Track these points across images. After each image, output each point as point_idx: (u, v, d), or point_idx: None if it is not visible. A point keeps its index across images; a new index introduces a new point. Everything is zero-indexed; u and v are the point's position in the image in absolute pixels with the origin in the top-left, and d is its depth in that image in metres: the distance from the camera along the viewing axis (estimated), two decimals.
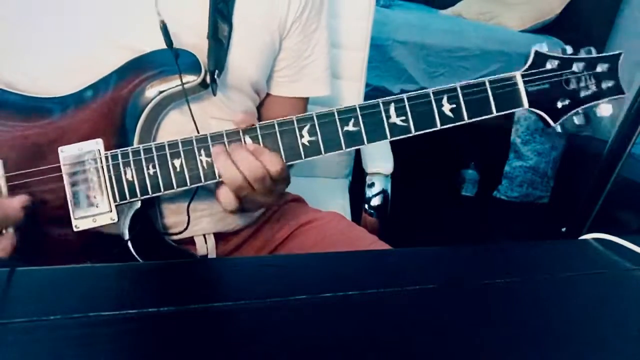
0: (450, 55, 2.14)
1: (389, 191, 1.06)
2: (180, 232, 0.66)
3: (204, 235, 0.73)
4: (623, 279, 0.54)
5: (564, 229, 1.66)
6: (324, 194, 1.13)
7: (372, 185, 1.06)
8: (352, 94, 1.15)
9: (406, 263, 0.54)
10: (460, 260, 0.56)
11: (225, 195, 0.59)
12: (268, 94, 0.80)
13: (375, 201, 1.05)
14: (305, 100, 0.83)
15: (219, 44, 0.65)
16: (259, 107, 0.81)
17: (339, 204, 1.12)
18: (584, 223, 1.54)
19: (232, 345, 0.38)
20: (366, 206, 1.05)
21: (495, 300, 0.48)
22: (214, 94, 0.64)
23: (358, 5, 1.10)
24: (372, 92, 1.91)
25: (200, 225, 0.71)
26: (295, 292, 0.45)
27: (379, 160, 1.07)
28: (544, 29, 2.41)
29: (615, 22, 2.24)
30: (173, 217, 0.68)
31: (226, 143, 0.59)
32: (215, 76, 0.63)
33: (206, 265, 0.58)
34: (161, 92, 0.61)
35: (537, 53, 0.63)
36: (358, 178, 1.14)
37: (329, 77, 0.83)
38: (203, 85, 0.63)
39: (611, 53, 0.64)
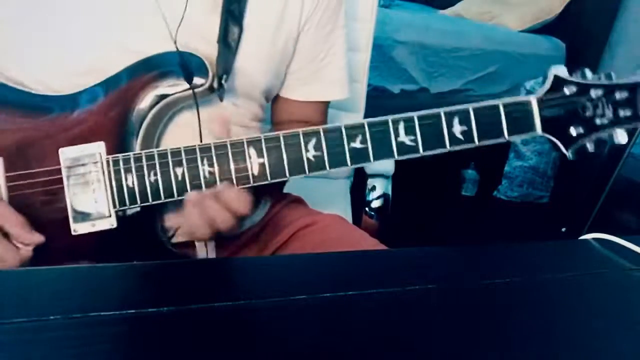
0: (450, 55, 2.14)
1: (390, 193, 1.06)
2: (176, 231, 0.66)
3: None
4: (623, 279, 0.54)
5: (564, 229, 1.67)
6: (325, 194, 1.13)
7: (373, 187, 1.06)
8: (354, 95, 1.15)
9: (406, 263, 0.54)
10: (460, 260, 0.56)
11: (187, 234, 0.60)
12: (281, 98, 0.78)
13: (376, 203, 1.05)
14: (324, 104, 0.81)
15: (228, 47, 0.64)
16: (275, 111, 0.80)
17: (340, 205, 1.11)
18: (584, 223, 1.54)
19: (232, 345, 0.38)
20: (367, 208, 1.05)
21: (495, 301, 0.48)
22: (221, 100, 0.63)
23: (360, 8, 1.10)
24: (372, 92, 1.91)
25: None
26: (295, 292, 0.45)
27: (380, 161, 1.06)
28: (544, 29, 2.40)
29: (615, 22, 2.24)
30: (172, 220, 0.67)
31: (230, 153, 0.58)
32: (223, 81, 0.62)
33: (206, 265, 0.58)
34: (166, 95, 0.61)
35: (555, 77, 0.59)
36: (359, 179, 1.14)
37: (346, 79, 0.80)
38: (210, 89, 0.62)
39: (631, 81, 0.61)
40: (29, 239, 0.56)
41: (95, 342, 0.37)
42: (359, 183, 1.14)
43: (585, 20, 2.35)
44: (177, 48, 0.61)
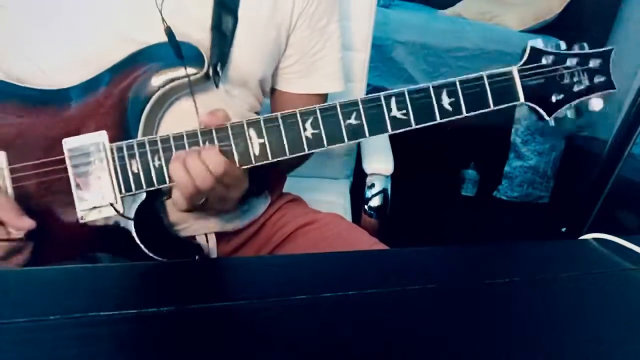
0: (450, 55, 2.14)
1: (389, 192, 1.06)
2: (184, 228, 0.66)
3: (206, 235, 0.73)
4: (623, 279, 0.54)
5: (564, 229, 1.67)
6: (325, 194, 1.13)
7: (372, 185, 1.05)
8: (354, 95, 1.14)
9: (406, 263, 0.54)
10: (461, 260, 0.56)
11: (175, 197, 0.59)
12: (280, 91, 0.79)
13: (375, 202, 1.05)
14: (322, 97, 0.81)
15: (222, 36, 0.65)
16: (275, 107, 0.81)
17: (340, 204, 1.12)
18: (584, 223, 1.54)
19: (232, 345, 0.38)
20: (366, 207, 1.05)
21: (495, 300, 0.48)
22: (217, 86, 0.64)
23: (359, 7, 1.10)
24: (372, 92, 1.91)
25: (202, 224, 0.71)
26: (295, 292, 0.45)
27: (379, 160, 1.06)
28: (544, 29, 2.40)
29: (615, 22, 2.24)
30: (176, 214, 0.68)
31: (230, 135, 0.60)
32: (218, 69, 0.63)
33: (206, 265, 0.58)
34: (164, 84, 0.62)
35: (532, 48, 0.65)
36: (359, 179, 1.14)
37: (342, 72, 0.81)
38: (206, 77, 0.63)
39: (603, 49, 0.67)
40: (19, 224, 0.56)
41: (95, 342, 0.37)
42: (358, 183, 1.14)
43: (585, 20, 2.35)
44: (169, 35, 0.61)
